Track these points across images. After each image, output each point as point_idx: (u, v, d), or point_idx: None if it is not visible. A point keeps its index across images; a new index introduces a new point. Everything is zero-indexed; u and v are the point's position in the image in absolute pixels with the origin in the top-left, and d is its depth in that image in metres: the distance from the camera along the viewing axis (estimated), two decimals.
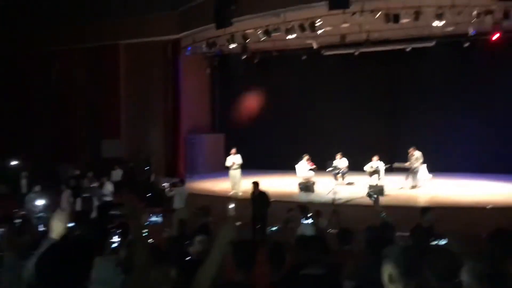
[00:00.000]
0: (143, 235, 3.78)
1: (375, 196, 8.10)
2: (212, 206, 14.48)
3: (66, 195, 13.41)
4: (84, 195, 13.73)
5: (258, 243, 10.93)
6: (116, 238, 4.62)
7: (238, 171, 15.69)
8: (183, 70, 20.13)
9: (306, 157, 16.72)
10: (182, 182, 13.70)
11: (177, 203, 13.12)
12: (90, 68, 21.00)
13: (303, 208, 7.87)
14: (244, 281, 3.33)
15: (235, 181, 15.42)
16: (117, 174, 17.63)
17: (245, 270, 3.44)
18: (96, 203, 14.04)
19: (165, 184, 14.23)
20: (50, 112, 21.21)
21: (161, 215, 4.38)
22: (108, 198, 15.14)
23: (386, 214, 6.61)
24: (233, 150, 15.88)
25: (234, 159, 15.68)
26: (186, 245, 4.67)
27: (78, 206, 13.42)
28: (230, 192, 15.22)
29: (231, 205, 4.09)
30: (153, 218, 4.38)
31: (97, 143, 20.72)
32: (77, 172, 16.77)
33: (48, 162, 20.09)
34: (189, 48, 19.41)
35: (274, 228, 5.36)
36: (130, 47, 20.47)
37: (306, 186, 15.49)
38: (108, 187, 15.21)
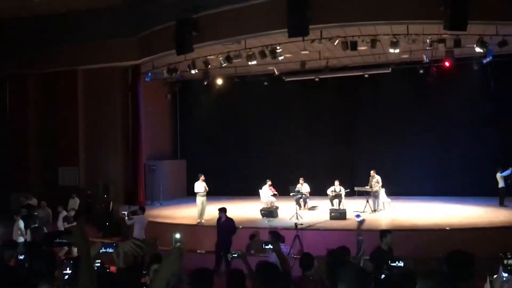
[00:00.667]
0: (93, 266, 3.59)
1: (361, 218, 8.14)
2: (172, 234, 14.27)
3: (17, 225, 12.81)
4: (35, 225, 13.14)
5: (217, 271, 10.75)
6: (68, 270, 4.38)
7: (205, 198, 15.20)
8: (143, 96, 19.89)
9: (269, 182, 16.71)
10: (142, 210, 13.36)
11: (137, 232, 12.77)
12: (47, 94, 20.42)
13: (274, 233, 7.78)
14: None
15: (203, 208, 15.05)
16: (75, 202, 17.03)
17: None
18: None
19: (124, 212, 13.81)
20: (5, 139, 20.42)
21: (115, 244, 4.17)
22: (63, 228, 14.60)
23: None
24: (202, 177, 15.33)
25: (203, 185, 15.17)
26: (143, 274, 4.49)
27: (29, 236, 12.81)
28: (196, 219, 14.89)
29: (177, 235, 3.95)
30: (106, 249, 4.16)
31: (54, 171, 20.03)
32: (30, 201, 16.10)
33: (1, 191, 19.25)
34: (149, 74, 19.25)
35: (235, 255, 5.22)
36: (88, 72, 20.09)
37: (269, 212, 15.41)
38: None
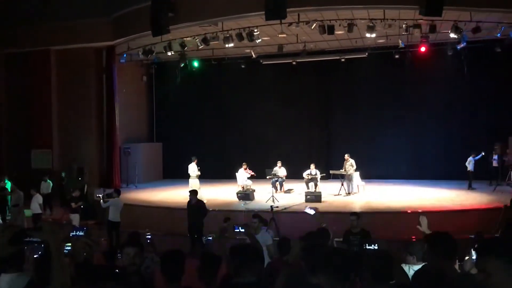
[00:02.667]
0: (64, 250, 3.56)
1: (314, 211, 8.22)
2: (148, 216, 14.25)
3: None
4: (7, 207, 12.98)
5: (193, 253, 10.79)
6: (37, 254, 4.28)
7: (197, 180, 15.66)
8: (119, 78, 19.56)
9: (244, 166, 16.76)
10: (118, 192, 13.24)
11: (112, 215, 12.69)
12: (19, 74, 19.89)
13: (258, 217, 7.81)
14: None
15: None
16: (47, 185, 16.76)
17: (173, 281, 3.33)
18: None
19: (99, 195, 13.68)
20: None
21: (85, 228, 4.14)
22: (37, 211, 14.39)
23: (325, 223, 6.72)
24: (195, 159, 15.84)
25: (195, 167, 15.63)
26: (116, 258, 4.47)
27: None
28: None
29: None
30: (77, 232, 4.12)
31: (26, 153, 19.64)
32: (2, 184, 15.79)
33: None
34: (125, 55, 18.93)
35: (210, 238, 5.26)
36: (61, 53, 19.63)
37: (245, 194, 15.48)
38: (38, 199, 14.47)
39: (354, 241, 7.41)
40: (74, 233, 4.01)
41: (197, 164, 15.83)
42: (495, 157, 16.95)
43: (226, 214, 12.73)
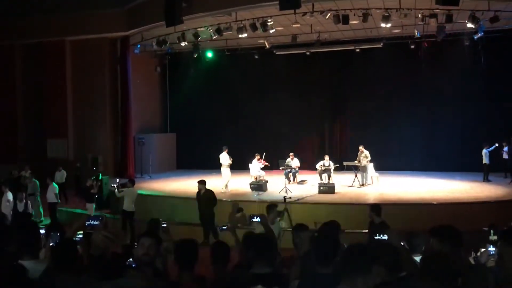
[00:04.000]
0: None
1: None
2: (162, 207, 14.37)
3: (5, 197, 12.77)
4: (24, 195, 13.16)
5: (207, 243, 10.86)
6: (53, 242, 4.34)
7: (229, 169, 15.86)
8: (133, 68, 19.66)
9: (257, 156, 16.75)
10: (132, 182, 13.35)
11: (127, 204, 12.80)
12: (34, 65, 20.10)
13: (272, 206, 7.75)
14: (187, 281, 3.24)
15: (228, 179, 15.72)
16: (61, 175, 16.97)
17: (187, 269, 3.35)
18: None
19: (114, 185, 13.82)
20: None
21: (100, 218, 4.18)
22: (53, 200, 14.59)
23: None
24: (226, 149, 16.06)
25: (227, 157, 15.85)
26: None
27: (20, 207, 12.81)
28: (221, 189, 15.21)
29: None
30: (92, 221, 4.17)
31: (42, 143, 19.89)
32: (18, 172, 16.02)
33: None
34: (139, 46, 18.99)
35: (224, 227, 5.26)
36: (76, 43, 19.78)
37: (258, 185, 15.50)
38: (53, 189, 14.66)
39: (375, 232, 7.32)
40: (90, 223, 4.06)
41: (228, 153, 15.99)
42: (505, 148, 16.72)
43: (238, 204, 12.86)
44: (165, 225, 5.02)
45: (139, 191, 14.07)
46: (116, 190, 13.33)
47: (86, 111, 19.72)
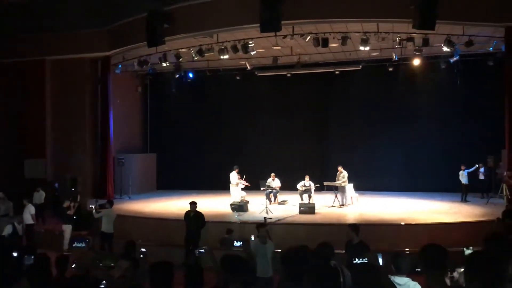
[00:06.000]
0: None
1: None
2: (141, 227, 14.19)
3: None
4: None
5: (187, 264, 10.71)
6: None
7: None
8: (113, 88, 19.56)
9: (236, 169, 16.86)
10: (111, 203, 13.18)
11: (105, 226, 12.61)
12: (13, 84, 19.85)
13: (261, 225, 7.74)
14: None
15: (234, 198, 16.37)
16: (40, 196, 16.65)
17: None
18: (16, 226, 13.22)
19: (92, 206, 13.61)
20: None
21: (86, 240, 4.12)
22: (29, 222, 14.27)
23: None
24: (237, 169, 16.82)
25: (236, 176, 16.58)
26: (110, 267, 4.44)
27: None
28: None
29: None
30: (77, 243, 4.11)
31: (19, 163, 19.52)
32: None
33: None
34: (120, 66, 18.97)
35: (202, 250, 5.20)
36: (56, 63, 19.64)
37: (239, 206, 15.44)
38: (30, 210, 14.35)
39: (353, 253, 7.34)
40: (75, 245, 4.01)
41: (238, 173, 16.66)
42: (482, 170, 17.06)
43: (223, 226, 12.77)
44: (144, 250, 4.93)
45: (118, 212, 13.87)
46: (94, 211, 13.14)
47: (66, 131, 19.48)
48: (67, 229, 13.76)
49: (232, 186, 16.61)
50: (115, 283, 3.46)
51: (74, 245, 4.08)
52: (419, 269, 3.46)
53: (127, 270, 3.54)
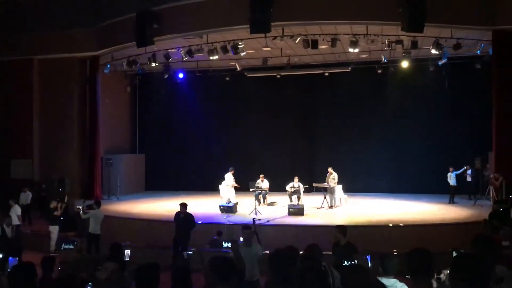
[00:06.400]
0: None
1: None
2: (129, 229, 14.10)
3: None
4: None
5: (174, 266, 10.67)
6: None
7: (233, 189, 16.66)
8: (102, 88, 19.42)
9: (232, 171, 16.87)
10: (98, 204, 13.06)
11: (92, 227, 12.50)
12: (1, 84, 19.61)
13: (246, 227, 7.71)
14: None
15: (227, 198, 16.38)
16: (26, 196, 16.46)
17: None
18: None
19: (79, 207, 13.49)
20: None
21: (75, 242, 4.08)
22: (16, 223, 14.09)
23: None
24: (232, 170, 16.87)
25: (231, 178, 16.70)
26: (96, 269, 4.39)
27: None
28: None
29: None
30: (65, 246, 4.08)
31: (6, 163, 19.31)
32: None
33: None
34: (108, 66, 18.83)
35: (190, 252, 5.18)
36: (45, 62, 19.46)
37: (228, 207, 15.40)
38: (16, 211, 14.18)
39: (341, 254, 7.35)
40: (64, 246, 3.96)
41: (233, 175, 16.82)
42: (469, 171, 17.23)
43: (212, 227, 12.73)
44: (128, 251, 4.90)
45: (106, 213, 13.76)
46: (81, 211, 13.02)
47: (53, 131, 19.31)
48: (54, 230, 13.63)
49: (225, 187, 16.61)
50: (101, 285, 3.42)
51: (62, 247, 4.03)
52: (407, 276, 3.48)
53: (113, 272, 3.49)
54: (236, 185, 16.72)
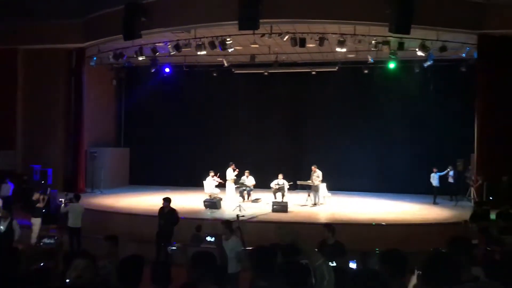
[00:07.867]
0: None
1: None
2: (112, 223, 14.00)
3: None
4: None
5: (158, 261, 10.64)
6: None
7: (233, 184, 16.54)
8: (88, 80, 19.25)
9: (211, 174, 16.70)
10: (77, 198, 12.87)
11: (71, 220, 12.34)
12: None
13: (228, 223, 7.71)
14: None
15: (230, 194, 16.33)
16: (7, 188, 16.24)
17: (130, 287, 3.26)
18: None
19: (61, 200, 13.35)
20: None
21: (55, 237, 4.04)
22: None
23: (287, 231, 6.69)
24: (233, 165, 16.76)
25: (232, 173, 16.56)
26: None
27: None
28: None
29: None
30: (46, 241, 4.03)
31: None
32: None
33: None
34: (95, 58, 18.62)
35: (173, 248, 5.18)
36: (29, 53, 19.20)
37: (212, 203, 15.41)
38: None
39: (329, 254, 7.35)
40: (45, 241, 3.92)
41: (234, 170, 16.71)
42: (451, 173, 17.47)
43: (196, 223, 12.71)
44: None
45: (89, 207, 13.67)
46: (62, 205, 12.89)
47: (37, 122, 19.08)
48: (36, 222, 13.46)
49: (228, 183, 16.43)
50: (71, 283, 3.33)
51: (42, 242, 3.98)
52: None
53: (84, 270, 3.40)
54: (220, 180, 16.68)
